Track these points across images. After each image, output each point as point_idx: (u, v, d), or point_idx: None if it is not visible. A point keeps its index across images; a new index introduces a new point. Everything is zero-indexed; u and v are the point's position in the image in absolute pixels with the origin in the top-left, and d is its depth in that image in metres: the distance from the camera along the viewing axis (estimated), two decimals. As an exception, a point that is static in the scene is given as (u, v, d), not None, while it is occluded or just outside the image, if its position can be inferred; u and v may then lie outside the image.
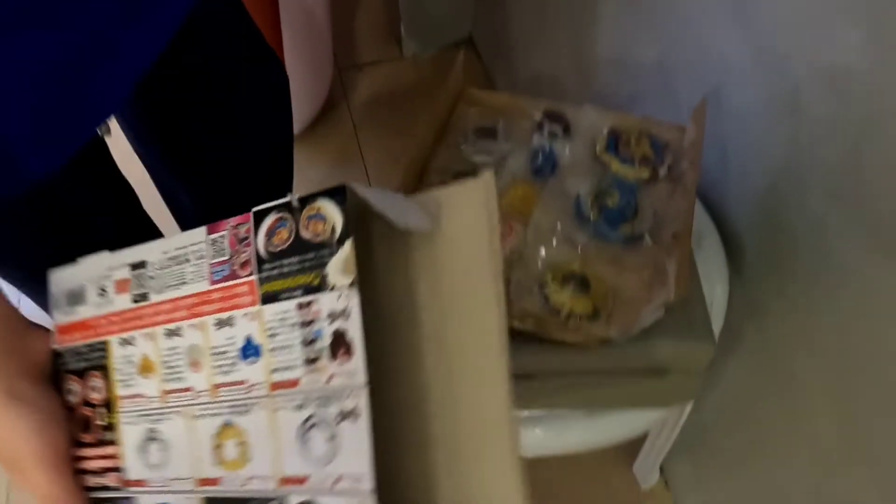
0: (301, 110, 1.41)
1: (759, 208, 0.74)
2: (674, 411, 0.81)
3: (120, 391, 0.36)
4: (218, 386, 0.33)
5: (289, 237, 0.31)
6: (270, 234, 0.31)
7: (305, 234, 0.30)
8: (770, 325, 0.75)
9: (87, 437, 0.37)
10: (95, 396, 0.37)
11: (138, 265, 0.36)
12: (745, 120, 0.71)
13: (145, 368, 0.35)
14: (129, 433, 0.36)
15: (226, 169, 0.70)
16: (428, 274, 0.32)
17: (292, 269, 0.31)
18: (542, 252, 0.62)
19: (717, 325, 0.75)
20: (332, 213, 0.30)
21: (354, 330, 0.29)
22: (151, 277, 0.35)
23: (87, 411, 0.37)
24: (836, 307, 0.64)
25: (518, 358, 0.61)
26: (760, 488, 0.84)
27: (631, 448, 1.03)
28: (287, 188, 0.86)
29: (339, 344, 0.29)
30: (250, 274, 0.32)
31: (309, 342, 0.30)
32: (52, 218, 0.57)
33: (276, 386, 0.31)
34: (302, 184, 1.45)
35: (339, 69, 1.58)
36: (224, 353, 0.33)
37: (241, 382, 0.32)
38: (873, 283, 0.59)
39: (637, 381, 0.62)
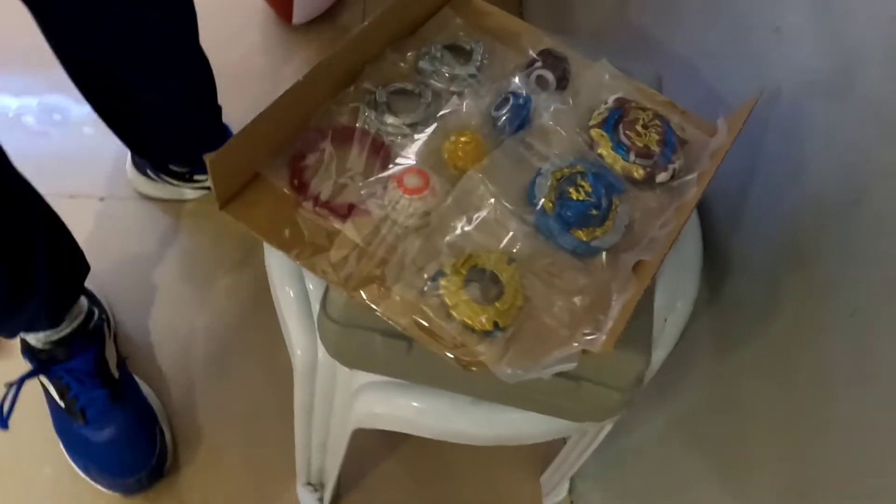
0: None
1: (772, 246, 0.55)
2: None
3: None
4: None
5: None
6: None
7: None
8: (735, 358, 0.58)
9: None
10: None
11: None
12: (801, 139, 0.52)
13: None
14: None
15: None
16: None
17: None
18: (458, 229, 0.45)
19: (667, 346, 0.57)
20: None
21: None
22: None
23: None
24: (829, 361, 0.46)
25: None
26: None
27: (545, 452, 0.88)
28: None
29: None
30: None
31: None
32: None
33: None
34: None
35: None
36: None
37: None
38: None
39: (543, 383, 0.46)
